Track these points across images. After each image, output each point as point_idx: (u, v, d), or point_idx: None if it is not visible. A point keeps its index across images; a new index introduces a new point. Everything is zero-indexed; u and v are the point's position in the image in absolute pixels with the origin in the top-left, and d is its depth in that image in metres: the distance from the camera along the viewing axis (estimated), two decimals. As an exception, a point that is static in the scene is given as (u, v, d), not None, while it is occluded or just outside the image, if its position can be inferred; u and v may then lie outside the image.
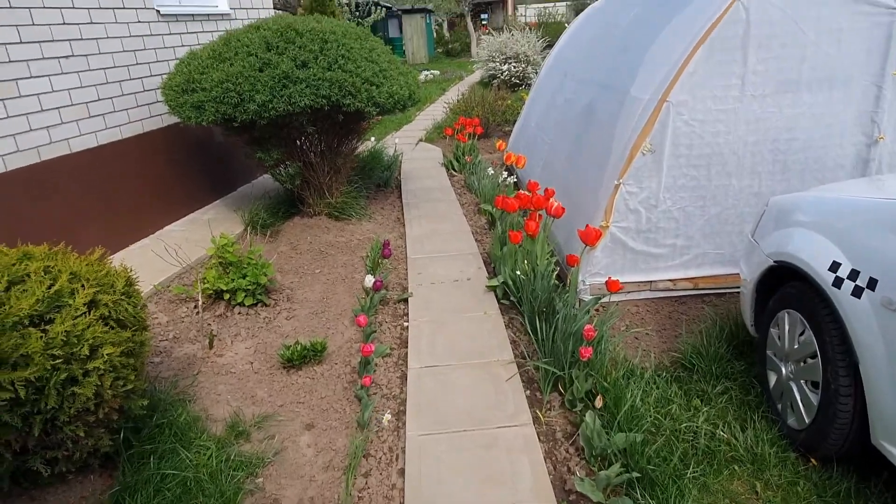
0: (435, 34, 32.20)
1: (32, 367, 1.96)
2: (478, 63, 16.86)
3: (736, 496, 2.29)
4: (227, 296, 3.89)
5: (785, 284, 2.60)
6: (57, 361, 2.03)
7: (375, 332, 3.62)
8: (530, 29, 18.68)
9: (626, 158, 3.69)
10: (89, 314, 2.19)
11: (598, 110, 4.66)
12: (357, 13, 17.23)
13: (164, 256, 4.48)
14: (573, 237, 4.07)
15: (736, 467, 2.42)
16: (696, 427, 2.57)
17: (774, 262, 2.58)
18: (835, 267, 2.21)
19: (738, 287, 3.11)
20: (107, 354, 2.16)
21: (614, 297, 3.91)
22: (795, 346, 2.50)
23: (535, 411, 2.84)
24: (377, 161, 7.20)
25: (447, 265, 4.56)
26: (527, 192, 4.32)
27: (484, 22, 35.46)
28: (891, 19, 3.45)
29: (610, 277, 3.30)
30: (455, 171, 7.54)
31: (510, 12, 42.28)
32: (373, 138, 8.50)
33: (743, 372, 2.96)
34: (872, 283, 2.05)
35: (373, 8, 17.86)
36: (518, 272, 3.71)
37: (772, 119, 3.60)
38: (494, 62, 15.32)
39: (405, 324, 3.75)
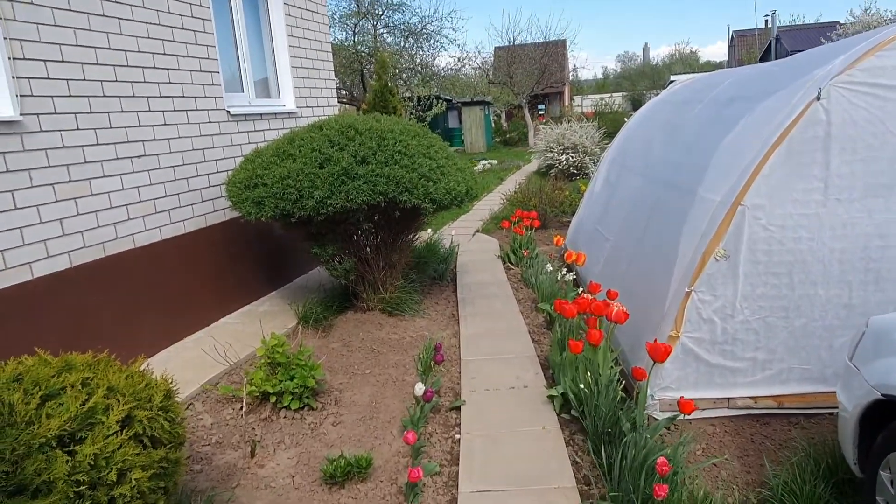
0: (493, 124, 33.20)
1: (55, 494, 1.82)
2: (535, 153, 17.07)
3: None
4: (273, 398, 3.75)
5: (893, 420, 2.25)
6: (82, 488, 1.89)
7: (425, 445, 3.37)
8: (587, 119, 18.95)
9: (697, 263, 3.44)
10: (122, 433, 2.07)
11: (664, 209, 4.47)
12: (419, 107, 17.93)
13: (214, 354, 4.42)
14: (639, 345, 3.79)
15: None
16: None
17: (882, 394, 2.24)
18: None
19: (830, 407, 2.74)
20: (135, 479, 2.01)
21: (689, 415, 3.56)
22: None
23: (601, 556, 2.50)
24: (433, 253, 7.14)
25: (502, 369, 4.31)
26: (587, 294, 4.10)
27: (541, 112, 36.39)
28: None
29: (683, 396, 2.99)
30: (512, 264, 7.38)
31: (566, 103, 43.38)
32: (430, 229, 8.51)
33: (847, 517, 2.55)
34: None
35: (434, 101, 18.56)
36: (581, 385, 3.43)
37: (861, 225, 3.31)
38: (552, 152, 15.46)
39: (456, 436, 3.48)
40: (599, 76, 71.46)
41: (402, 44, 21.73)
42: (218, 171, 5.37)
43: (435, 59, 22.64)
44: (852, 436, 2.49)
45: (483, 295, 6.15)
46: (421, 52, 22.40)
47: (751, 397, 3.54)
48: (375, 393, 4.09)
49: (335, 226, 4.91)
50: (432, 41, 21.85)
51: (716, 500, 2.68)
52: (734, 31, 43.05)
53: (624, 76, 63.52)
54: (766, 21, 34.12)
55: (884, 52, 3.17)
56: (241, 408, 3.79)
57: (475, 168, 17.87)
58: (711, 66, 56.19)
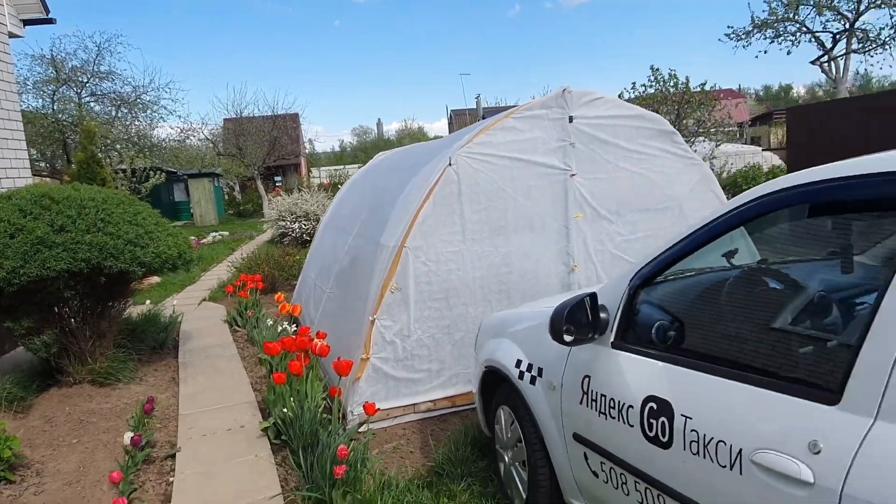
0: (227, 196, 32.52)
1: None
2: (268, 223, 17.33)
3: (474, 577, 2.61)
4: (-43, 480, 3.48)
5: (499, 386, 3.16)
6: None
7: (137, 489, 3.47)
8: (323, 189, 19.90)
9: (377, 297, 4.22)
10: None
11: (361, 258, 5.25)
12: (134, 179, 16.98)
13: None
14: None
15: (475, 551, 2.76)
16: (441, 522, 2.90)
17: (486, 367, 3.15)
18: (518, 364, 2.81)
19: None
20: None
21: (384, 423, 4.25)
22: (509, 436, 3.01)
23: (299, 539, 2.95)
24: (153, 323, 7.00)
25: (222, 417, 4.55)
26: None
27: (278, 184, 36.68)
28: (564, 177, 4.58)
29: (366, 402, 3.65)
30: (239, 326, 7.57)
31: (303, 174, 44.39)
32: (148, 301, 8.28)
33: (485, 468, 3.41)
34: (540, 371, 2.66)
35: (151, 173, 17.74)
36: (285, 409, 3.89)
37: (491, 257, 4.43)
38: (284, 221, 15.91)
39: (171, 479, 3.65)
40: (336, 148, 74.64)
41: (114, 113, 20.43)
42: None
43: (154, 129, 21.67)
44: (479, 405, 3.38)
45: (207, 356, 6.26)
46: (137, 123, 21.30)
47: (431, 401, 4.37)
48: (84, 459, 4.00)
49: (31, 295, 4.70)
50: (149, 111, 20.97)
51: (392, 474, 3.34)
52: (452, 110, 49.00)
53: (360, 148, 67.36)
54: (477, 102, 39.83)
55: (490, 131, 4.40)
56: (-86, 499, 3.43)
57: (204, 240, 17.43)
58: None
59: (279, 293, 6.89)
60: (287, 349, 4.22)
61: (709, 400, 1.84)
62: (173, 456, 3.95)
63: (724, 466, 1.72)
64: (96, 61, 19.03)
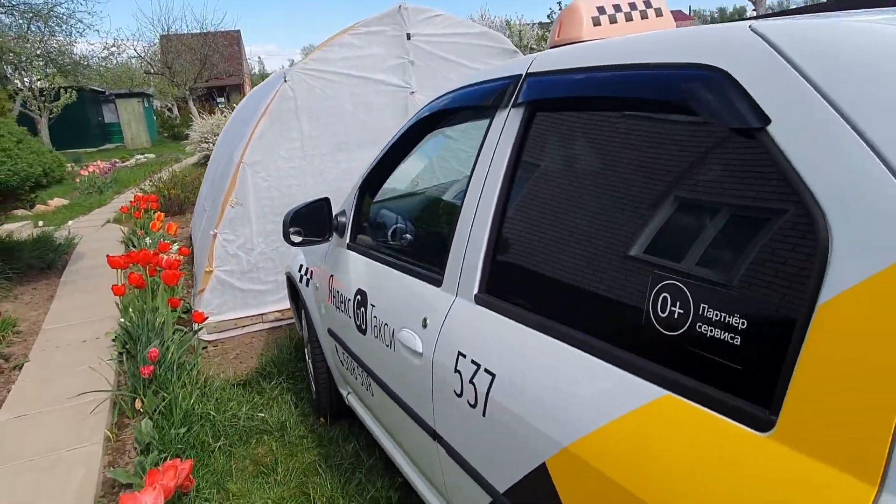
0: (164, 117, 31.39)
1: None
2: (191, 145, 16.94)
3: (256, 456, 2.93)
4: None
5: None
6: None
7: (-30, 398, 3.69)
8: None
9: (219, 211, 4.36)
10: None
11: (223, 175, 5.34)
12: (43, 98, 16.19)
13: None
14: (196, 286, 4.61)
15: (265, 437, 3.08)
16: (240, 414, 3.20)
17: (286, 275, 3.39)
18: (300, 269, 3.05)
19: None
20: None
21: (233, 332, 4.50)
22: (306, 336, 3.29)
23: (110, 432, 3.22)
24: (43, 245, 7.03)
25: (83, 331, 4.73)
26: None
27: (221, 105, 35.36)
28: (405, 95, 4.69)
29: (195, 311, 3.88)
30: (135, 246, 7.63)
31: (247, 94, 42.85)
32: (41, 222, 8.23)
33: (302, 369, 3.71)
34: (311, 274, 2.90)
35: (62, 91, 16.90)
36: (123, 320, 4.10)
37: (333, 172, 4.57)
38: (207, 143, 15.58)
39: (11, 387, 3.86)
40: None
41: (27, 27, 19.16)
42: None
43: (72, 45, 20.46)
44: (294, 309, 3.64)
45: (92, 276, 6.36)
46: (55, 39, 20.03)
47: (279, 311, 4.62)
48: (-64, 373, 4.16)
49: None
50: (65, 26, 19.71)
51: (210, 377, 3.62)
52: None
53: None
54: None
55: (327, 48, 4.45)
56: None
57: (126, 163, 17.02)
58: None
59: (159, 213, 6.94)
60: (134, 262, 4.37)
61: (385, 289, 2.10)
62: (20, 367, 4.15)
63: (387, 346, 2.00)
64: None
